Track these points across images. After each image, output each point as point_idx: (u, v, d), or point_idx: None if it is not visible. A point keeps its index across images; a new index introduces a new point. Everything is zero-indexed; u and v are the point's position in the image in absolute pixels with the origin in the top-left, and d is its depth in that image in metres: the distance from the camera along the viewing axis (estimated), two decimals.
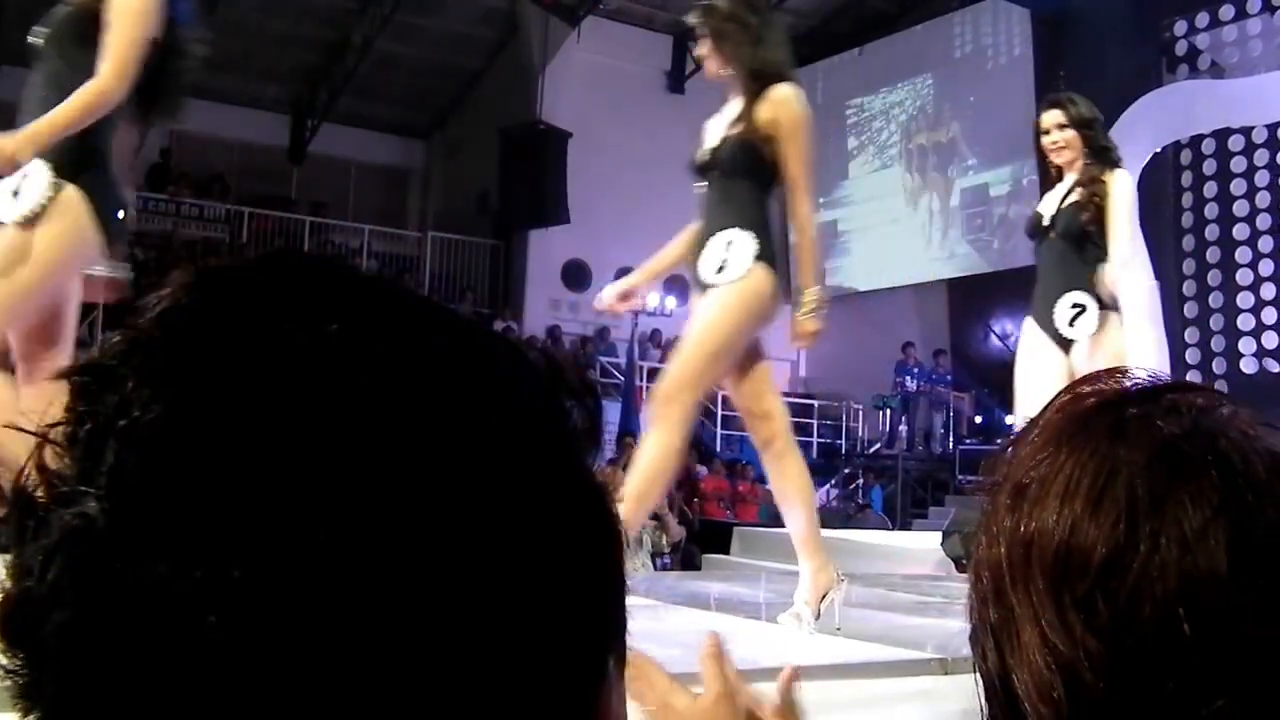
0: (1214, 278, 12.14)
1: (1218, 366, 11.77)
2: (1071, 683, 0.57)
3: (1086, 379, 0.67)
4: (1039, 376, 4.30)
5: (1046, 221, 4.44)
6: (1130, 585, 0.56)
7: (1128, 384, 0.65)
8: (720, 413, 15.18)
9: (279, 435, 0.37)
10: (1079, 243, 4.33)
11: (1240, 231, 11.79)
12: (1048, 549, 0.59)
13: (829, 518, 12.58)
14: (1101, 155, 4.40)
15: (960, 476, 13.64)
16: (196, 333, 0.39)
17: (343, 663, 0.36)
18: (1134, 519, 0.57)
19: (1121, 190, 4.31)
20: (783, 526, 3.92)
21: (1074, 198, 4.37)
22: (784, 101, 3.48)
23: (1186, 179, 12.55)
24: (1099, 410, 0.63)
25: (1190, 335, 12.29)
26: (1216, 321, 12.02)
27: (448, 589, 0.37)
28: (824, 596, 3.53)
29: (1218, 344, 11.96)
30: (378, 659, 0.36)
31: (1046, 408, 0.66)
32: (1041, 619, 0.58)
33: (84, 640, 0.37)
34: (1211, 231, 12.21)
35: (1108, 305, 4.25)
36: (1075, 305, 4.28)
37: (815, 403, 16.05)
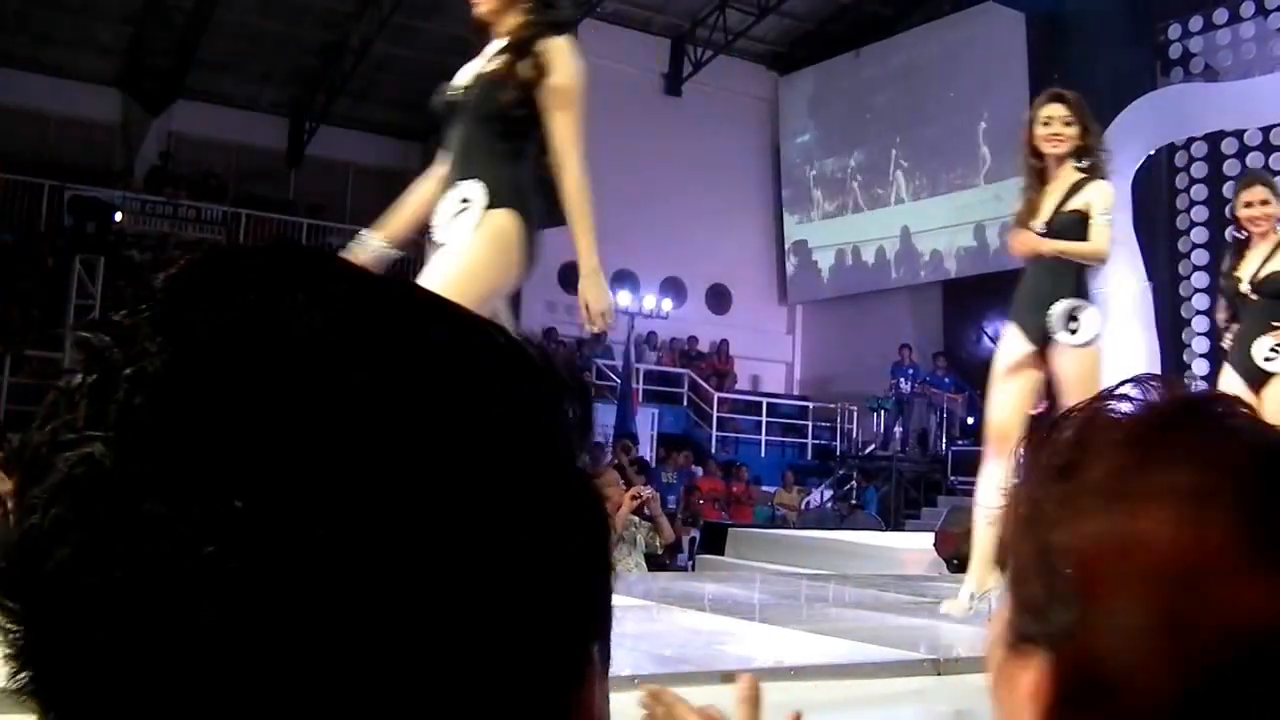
0: (1200, 280, 12.19)
1: (1206, 368, 11.81)
2: (1189, 679, 0.59)
3: (1130, 382, 0.68)
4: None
5: (457, 94, 3.33)
6: (1261, 594, 0.59)
7: (1179, 391, 0.67)
8: (716, 415, 15.20)
9: (279, 386, 0.38)
10: (491, 128, 3.23)
11: (1233, 234, 11.82)
12: (1157, 552, 0.60)
13: (823, 519, 12.62)
14: (539, 15, 3.21)
15: (952, 477, 13.66)
16: (206, 292, 0.40)
17: (330, 612, 0.36)
18: (1255, 531, 0.59)
19: (563, 63, 3.14)
20: (778, 528, 3.96)
21: (495, 65, 3.22)
22: None
23: (1180, 181, 12.59)
24: (1183, 413, 0.65)
25: (1184, 336, 12.35)
26: (1204, 324, 12.07)
27: (433, 565, 0.38)
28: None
29: (1204, 345, 12.00)
30: (362, 613, 0.37)
31: (1094, 405, 0.67)
32: (1152, 618, 0.59)
33: (84, 578, 0.36)
34: (1203, 234, 12.26)
35: (507, 203, 3.28)
36: (462, 200, 3.21)
37: (810, 404, 16.06)
